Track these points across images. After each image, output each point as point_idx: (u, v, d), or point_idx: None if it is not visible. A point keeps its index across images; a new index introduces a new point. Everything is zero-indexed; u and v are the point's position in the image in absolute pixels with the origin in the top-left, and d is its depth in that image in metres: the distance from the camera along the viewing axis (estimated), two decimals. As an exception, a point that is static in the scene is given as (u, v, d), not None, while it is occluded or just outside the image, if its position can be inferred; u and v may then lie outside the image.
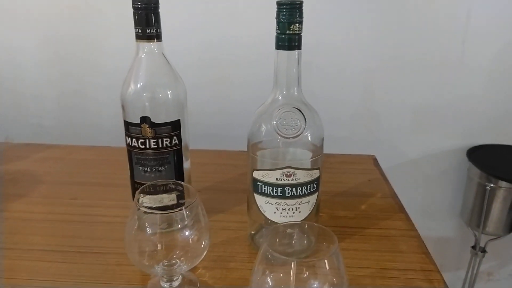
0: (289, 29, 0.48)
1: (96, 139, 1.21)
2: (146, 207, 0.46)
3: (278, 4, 0.48)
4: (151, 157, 0.56)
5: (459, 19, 1.19)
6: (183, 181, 0.60)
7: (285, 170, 0.50)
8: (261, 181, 0.51)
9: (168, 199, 0.59)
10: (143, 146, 0.56)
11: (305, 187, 0.51)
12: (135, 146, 0.56)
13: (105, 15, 1.06)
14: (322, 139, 0.51)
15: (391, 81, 1.22)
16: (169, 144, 0.56)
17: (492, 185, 1.29)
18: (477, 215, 1.37)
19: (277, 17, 0.48)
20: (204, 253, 0.47)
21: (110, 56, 1.12)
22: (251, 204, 0.55)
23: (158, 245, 0.47)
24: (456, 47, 1.22)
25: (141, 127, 0.55)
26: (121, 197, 0.71)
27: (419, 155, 1.34)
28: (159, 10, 0.54)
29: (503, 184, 1.27)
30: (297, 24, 0.48)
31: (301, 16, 0.48)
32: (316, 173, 0.51)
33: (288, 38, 0.48)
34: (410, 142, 1.30)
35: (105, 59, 1.12)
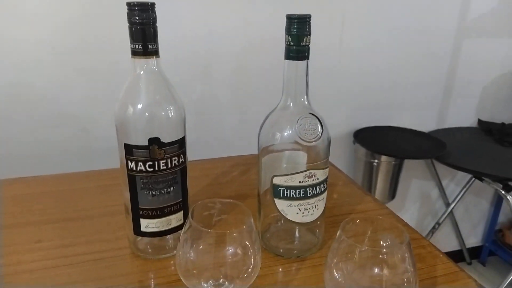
0: (302, 41, 0.51)
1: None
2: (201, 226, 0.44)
3: (289, 18, 0.51)
4: (160, 179, 0.53)
5: (336, 29, 1.37)
6: (188, 198, 0.58)
7: (307, 172, 0.53)
8: (283, 186, 0.54)
9: (176, 220, 0.57)
10: (151, 169, 0.52)
11: (322, 185, 0.55)
12: (141, 170, 0.52)
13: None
14: (330, 140, 0.56)
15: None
16: (177, 163, 0.54)
17: (376, 161, 1.52)
18: (366, 188, 1.59)
19: (288, 30, 0.51)
20: (255, 276, 0.47)
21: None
22: (266, 208, 0.57)
23: (209, 263, 0.45)
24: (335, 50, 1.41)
25: (149, 149, 0.51)
26: (94, 230, 0.64)
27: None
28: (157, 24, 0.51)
29: (385, 158, 1.51)
30: (308, 36, 0.51)
31: (310, 28, 0.51)
32: (327, 171, 0.56)
33: (299, 50, 0.51)
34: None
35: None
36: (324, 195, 0.56)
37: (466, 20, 1.51)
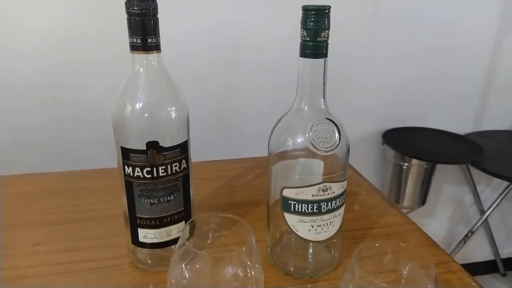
0: (319, 36, 0.45)
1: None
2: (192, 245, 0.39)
3: (305, 9, 0.45)
4: (159, 186, 0.49)
5: (368, 19, 1.29)
6: (191, 207, 0.53)
7: (321, 185, 0.47)
8: (294, 199, 0.48)
9: (177, 230, 0.52)
10: (149, 176, 0.48)
11: (339, 200, 0.49)
12: (138, 176, 0.48)
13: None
14: (349, 148, 0.50)
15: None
16: (178, 170, 0.49)
17: (406, 164, 1.43)
18: (395, 192, 1.50)
19: (304, 24, 0.45)
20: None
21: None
22: (276, 220, 0.52)
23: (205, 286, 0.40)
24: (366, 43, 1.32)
25: (147, 153, 0.47)
26: (96, 234, 0.61)
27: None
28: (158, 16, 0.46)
29: (415, 162, 1.42)
30: (326, 31, 0.45)
31: (329, 22, 0.45)
32: (345, 184, 0.50)
33: (316, 46, 0.45)
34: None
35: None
36: (341, 210, 0.50)
37: (510, 12, 1.39)
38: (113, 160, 1.02)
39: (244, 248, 0.38)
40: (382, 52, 1.34)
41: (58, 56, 1.06)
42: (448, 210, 1.70)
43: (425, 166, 1.43)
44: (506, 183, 1.52)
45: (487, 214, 1.61)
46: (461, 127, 1.53)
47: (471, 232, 1.64)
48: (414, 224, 0.64)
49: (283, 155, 0.49)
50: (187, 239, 0.41)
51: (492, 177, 1.58)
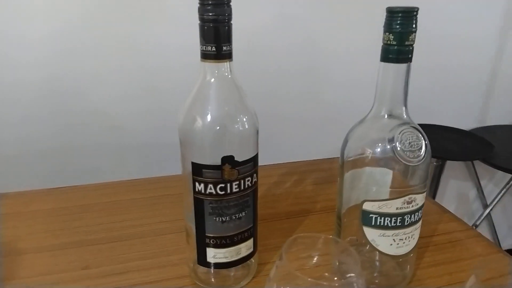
0: (407, 40, 0.42)
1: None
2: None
3: (390, 11, 0.42)
4: (232, 203, 0.45)
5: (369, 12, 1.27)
6: (257, 223, 0.50)
7: (406, 198, 0.45)
8: (376, 213, 0.45)
9: (246, 248, 0.49)
10: (222, 192, 0.44)
11: (420, 211, 0.47)
12: (211, 193, 0.44)
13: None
14: (431, 158, 0.48)
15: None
16: (250, 184, 0.46)
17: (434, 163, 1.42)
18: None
19: (389, 26, 0.42)
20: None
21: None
22: (344, 229, 0.49)
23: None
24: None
25: (222, 169, 0.43)
26: (147, 253, 0.57)
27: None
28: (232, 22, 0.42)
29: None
30: (413, 34, 0.42)
31: (417, 24, 0.42)
32: (425, 194, 0.48)
33: (401, 50, 0.43)
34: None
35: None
36: (420, 222, 0.48)
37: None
38: (126, 170, 0.97)
39: (350, 276, 0.35)
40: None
41: (63, 64, 1.01)
42: (452, 205, 1.71)
43: (435, 163, 1.43)
44: (508, 177, 1.54)
45: (490, 208, 1.63)
46: (466, 123, 1.53)
47: (475, 225, 1.65)
48: (473, 230, 0.62)
49: (359, 163, 0.47)
50: (282, 259, 0.38)
51: (494, 171, 1.59)
